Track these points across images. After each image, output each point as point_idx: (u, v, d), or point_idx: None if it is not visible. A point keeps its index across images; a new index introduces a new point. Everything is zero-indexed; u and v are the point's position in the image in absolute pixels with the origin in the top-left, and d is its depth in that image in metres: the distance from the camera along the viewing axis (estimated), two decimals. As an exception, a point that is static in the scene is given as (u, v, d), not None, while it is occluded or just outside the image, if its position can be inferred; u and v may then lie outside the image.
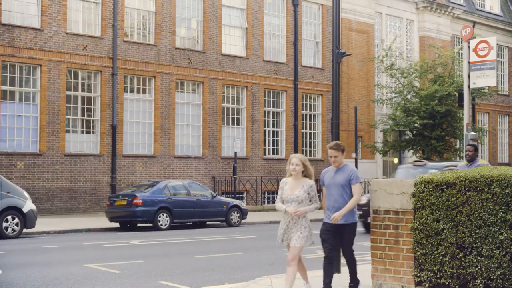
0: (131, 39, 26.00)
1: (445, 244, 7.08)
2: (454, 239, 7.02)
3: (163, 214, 20.02)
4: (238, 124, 29.19)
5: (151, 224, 20.06)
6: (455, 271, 7.04)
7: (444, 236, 7.09)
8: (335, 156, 7.93)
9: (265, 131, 30.03)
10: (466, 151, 11.13)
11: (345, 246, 8.12)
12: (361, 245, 15.40)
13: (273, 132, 30.49)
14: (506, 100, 41.70)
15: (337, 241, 7.96)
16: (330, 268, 7.98)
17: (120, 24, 25.40)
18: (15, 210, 17.09)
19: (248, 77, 29.25)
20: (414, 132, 29.89)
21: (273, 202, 30.17)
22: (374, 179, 25.31)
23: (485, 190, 6.84)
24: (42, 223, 19.63)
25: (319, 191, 8.86)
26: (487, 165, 10.61)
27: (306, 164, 7.84)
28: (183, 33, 27.73)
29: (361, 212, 16.11)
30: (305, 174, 7.87)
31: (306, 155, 31.49)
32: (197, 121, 27.75)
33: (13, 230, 17.04)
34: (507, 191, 6.72)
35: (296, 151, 30.34)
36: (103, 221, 21.31)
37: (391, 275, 7.68)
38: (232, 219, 21.43)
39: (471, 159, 11.12)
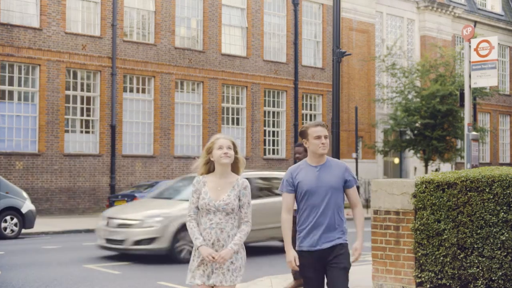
0: (130, 38, 25.94)
1: (446, 244, 7.02)
2: (455, 239, 6.96)
3: (162, 214, 19.95)
4: (238, 124, 29.13)
5: (150, 224, 19.99)
6: (456, 272, 6.98)
7: (445, 236, 7.03)
8: (325, 136, 5.25)
9: (265, 131, 29.98)
10: (295, 153, 9.69)
11: (338, 282, 5.19)
12: (362, 246, 15.33)
13: (273, 132, 30.43)
14: (507, 100, 41.64)
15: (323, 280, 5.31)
16: None
17: (119, 24, 25.35)
18: (14, 211, 17.04)
19: (248, 77, 29.19)
20: (415, 132, 29.83)
21: (273, 202, 30.10)
22: (375, 179, 25.25)
23: (486, 190, 6.78)
24: (41, 224, 19.58)
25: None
26: None
27: (238, 151, 5.25)
28: (183, 32, 27.67)
29: None
30: (233, 168, 5.26)
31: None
32: (197, 121, 27.69)
33: (12, 230, 16.98)
34: (508, 192, 6.66)
35: (296, 151, 30.23)
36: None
37: (392, 276, 7.62)
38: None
39: None
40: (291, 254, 5.21)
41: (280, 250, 13.59)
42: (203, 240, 5.07)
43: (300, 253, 5.24)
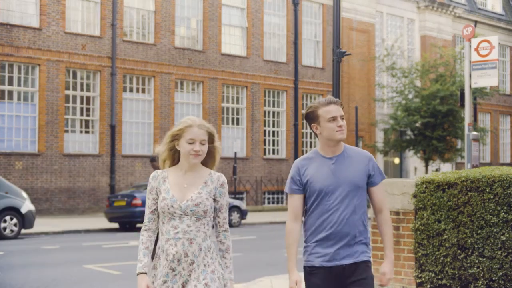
0: (130, 38, 25.92)
1: (446, 244, 6.99)
2: (456, 239, 6.93)
3: (162, 215, 19.91)
4: (238, 124, 29.10)
5: (150, 225, 19.95)
6: (456, 272, 6.95)
7: (445, 236, 7.00)
8: (341, 116, 4.11)
9: (265, 131, 29.95)
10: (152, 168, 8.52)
11: None
12: (362, 246, 15.32)
13: (273, 132, 30.40)
14: (507, 100, 41.61)
15: None
16: None
17: (119, 24, 25.32)
18: (13, 211, 17.00)
19: (248, 77, 29.17)
20: (415, 132, 29.83)
21: (274, 202, 30.09)
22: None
23: (487, 190, 6.74)
24: (41, 224, 19.55)
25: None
26: None
27: (215, 139, 4.00)
28: (183, 32, 27.65)
29: None
30: (204, 161, 4.00)
31: (306, 155, 31.43)
32: (197, 121, 27.65)
33: (12, 230, 16.95)
34: (509, 192, 6.63)
35: (296, 151, 30.21)
36: (102, 222, 21.25)
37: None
38: (231, 220, 21.35)
39: None
40: (293, 278, 3.96)
41: (280, 250, 13.56)
42: (145, 265, 3.79)
43: (310, 269, 4.02)
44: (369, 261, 4.08)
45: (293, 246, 4.06)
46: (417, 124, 29.41)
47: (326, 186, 3.97)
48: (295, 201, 4.06)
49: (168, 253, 3.78)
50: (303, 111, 4.04)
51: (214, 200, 3.88)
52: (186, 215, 3.78)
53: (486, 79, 14.90)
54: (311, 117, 4.08)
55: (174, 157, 3.94)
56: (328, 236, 3.97)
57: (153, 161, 8.64)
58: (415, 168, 34.80)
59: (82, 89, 24.70)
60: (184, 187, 3.84)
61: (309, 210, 4.05)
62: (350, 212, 3.99)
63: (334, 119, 4.02)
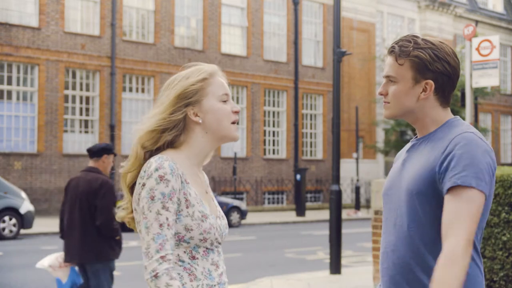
0: (129, 38, 25.87)
1: (447, 245, 6.94)
2: (457, 240, 6.88)
3: (162, 215, 19.86)
4: (238, 124, 28.98)
5: (150, 225, 19.90)
6: (457, 273, 6.90)
7: (446, 237, 6.94)
8: (390, 78, 2.38)
9: (265, 131, 29.89)
10: None
11: None
12: (362, 246, 15.27)
13: (273, 132, 30.35)
14: (508, 99, 41.56)
15: None
16: None
17: (118, 23, 25.27)
18: (13, 211, 16.95)
19: (248, 77, 29.12)
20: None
21: (274, 202, 30.04)
22: (375, 179, 25.21)
23: (488, 190, 6.69)
24: (40, 224, 19.51)
25: None
26: None
27: None
28: (183, 32, 27.60)
29: None
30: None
31: (306, 156, 31.39)
32: (197, 120, 27.61)
33: (10, 231, 16.90)
34: (510, 192, 6.58)
35: (296, 151, 30.15)
36: (102, 222, 21.19)
37: (392, 277, 7.53)
38: (231, 220, 21.30)
39: None
40: None
41: (280, 250, 13.50)
42: None
43: None
44: None
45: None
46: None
47: (385, 189, 2.42)
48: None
49: None
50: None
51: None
52: (219, 243, 2.27)
53: (487, 79, 14.84)
54: None
55: (169, 141, 2.28)
56: (380, 269, 2.34)
57: None
58: (416, 168, 34.75)
59: (81, 89, 24.65)
60: (206, 193, 2.29)
61: None
62: (401, 243, 2.24)
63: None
